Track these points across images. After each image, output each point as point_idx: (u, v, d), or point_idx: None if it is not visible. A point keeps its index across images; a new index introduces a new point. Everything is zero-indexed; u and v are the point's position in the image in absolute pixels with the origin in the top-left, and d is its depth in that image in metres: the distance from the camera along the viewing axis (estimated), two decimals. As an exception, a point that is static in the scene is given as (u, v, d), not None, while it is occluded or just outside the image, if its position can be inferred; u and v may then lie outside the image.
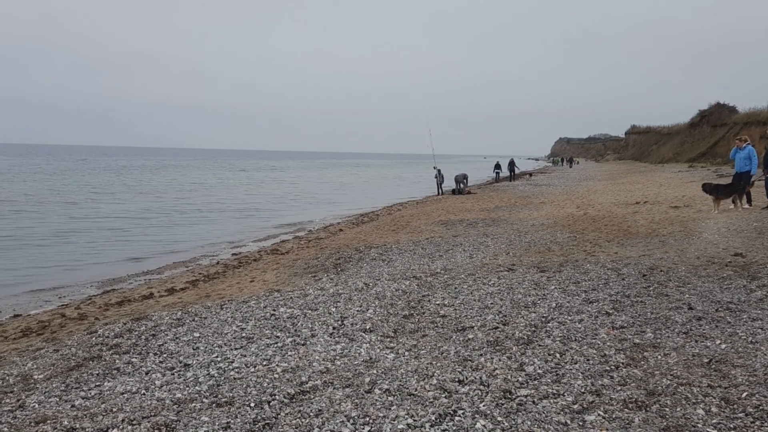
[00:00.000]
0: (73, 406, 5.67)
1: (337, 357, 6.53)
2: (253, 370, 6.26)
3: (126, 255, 19.21)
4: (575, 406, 4.98)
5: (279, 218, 30.60)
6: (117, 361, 7.00)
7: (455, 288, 9.72)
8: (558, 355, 6.24)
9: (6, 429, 5.20)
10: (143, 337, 7.93)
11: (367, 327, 7.64)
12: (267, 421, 4.90)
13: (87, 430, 4.95)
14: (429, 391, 5.40)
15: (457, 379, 5.65)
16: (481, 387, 5.45)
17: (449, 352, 6.53)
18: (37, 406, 5.77)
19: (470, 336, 7.06)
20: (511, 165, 55.44)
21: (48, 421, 5.26)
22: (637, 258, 11.56)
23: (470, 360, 6.21)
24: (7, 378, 6.87)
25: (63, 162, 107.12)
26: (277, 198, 43.45)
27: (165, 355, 7.03)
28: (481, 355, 6.36)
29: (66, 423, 5.16)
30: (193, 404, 5.41)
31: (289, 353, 6.73)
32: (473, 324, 7.57)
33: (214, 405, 5.34)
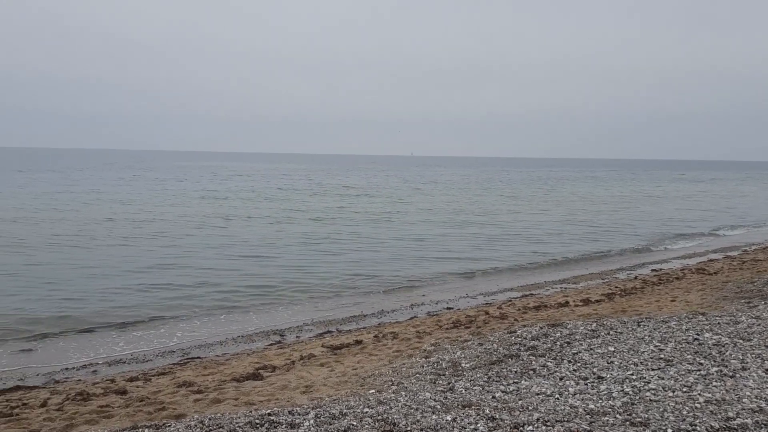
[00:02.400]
0: (493, 397, 6.15)
1: (776, 397, 5.64)
2: (671, 394, 5.85)
3: (545, 259, 20.16)
4: None
5: (706, 234, 28.02)
6: (533, 362, 7.33)
7: None
8: None
9: (438, 406, 5.92)
10: (558, 343, 8.13)
11: (819, 369, 6.41)
12: (686, 453, 4.52)
13: (505, 421, 5.31)
14: None
15: None
16: None
17: None
18: (463, 391, 6.43)
19: None
20: None
21: (472, 407, 5.81)
22: None
23: None
24: (440, 362, 7.83)
25: (485, 172, 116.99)
26: (708, 212, 39.80)
27: (579, 364, 7.08)
28: None
29: (487, 411, 5.62)
30: (606, 418, 5.32)
31: (714, 383, 6.08)
32: None
33: (627, 423, 5.16)
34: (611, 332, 8.54)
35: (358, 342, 9.99)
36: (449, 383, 6.78)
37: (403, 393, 6.50)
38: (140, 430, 5.72)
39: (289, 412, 5.93)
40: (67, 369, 9.72)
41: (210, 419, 5.87)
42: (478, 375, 7.01)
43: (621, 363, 6.99)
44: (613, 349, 7.61)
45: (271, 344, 10.92)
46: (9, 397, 7.93)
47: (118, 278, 16.07)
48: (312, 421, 5.58)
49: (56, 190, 46.35)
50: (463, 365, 7.56)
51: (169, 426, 5.75)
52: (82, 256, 19.00)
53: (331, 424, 5.49)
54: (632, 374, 6.54)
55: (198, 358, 10.12)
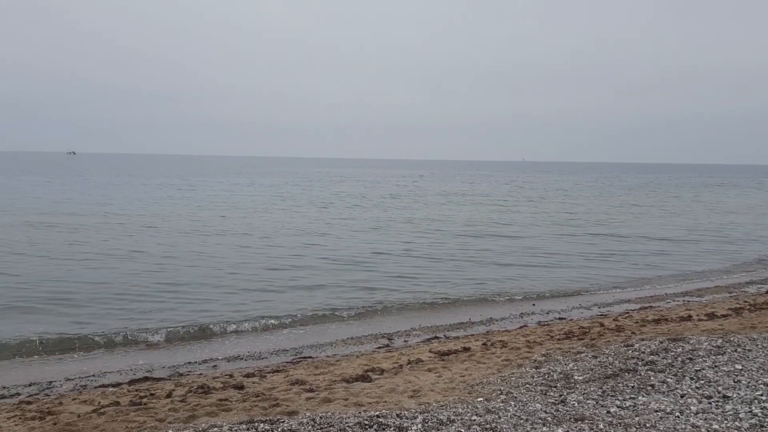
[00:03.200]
0: (608, 412, 5.92)
1: None
2: (807, 419, 5.40)
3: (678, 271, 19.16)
4: None
5: None
6: (652, 378, 6.99)
7: None
8: None
9: (549, 418, 5.78)
10: (679, 359, 7.70)
11: None
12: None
13: (620, 438, 5.10)
14: None
15: None
16: None
17: None
18: (576, 404, 6.23)
19: None
20: None
21: (585, 421, 5.62)
22: None
23: None
24: (551, 373, 7.63)
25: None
26: None
27: (702, 382, 6.68)
28: None
29: (601, 426, 5.42)
30: (733, 440, 4.99)
31: None
32: None
33: (757, 448, 4.81)
34: (739, 349, 7.99)
35: (466, 349, 9.92)
36: (561, 395, 6.59)
37: (513, 403, 6.39)
38: (256, 424, 5.97)
39: (397, 415, 5.99)
40: (189, 363, 10.32)
41: (321, 418, 6.04)
42: (591, 388, 6.78)
43: (749, 382, 6.53)
44: (740, 367, 7.12)
45: (380, 347, 11.06)
46: (138, 387, 8.53)
47: (231, 281, 16.86)
48: (420, 426, 5.62)
49: (178, 196, 49.40)
50: (575, 377, 7.32)
51: (283, 422, 5.97)
52: (197, 260, 20.10)
53: (438, 430, 5.50)
54: (762, 395, 6.09)
55: (309, 357, 10.44)
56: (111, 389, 8.56)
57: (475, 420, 5.75)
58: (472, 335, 11.76)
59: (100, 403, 7.55)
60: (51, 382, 9.28)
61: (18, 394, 8.66)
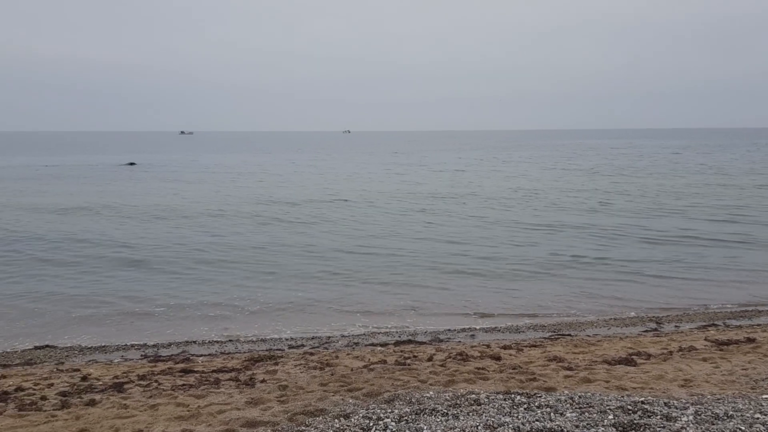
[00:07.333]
0: None
1: None
2: None
3: None
4: None
5: None
6: None
7: None
8: None
9: None
10: None
11: None
12: None
13: None
14: None
15: None
16: None
17: None
18: None
19: None
20: None
21: None
22: None
23: None
24: None
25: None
26: None
27: None
28: None
29: None
30: None
31: None
32: None
33: None
34: None
35: (750, 340, 8.82)
36: None
37: (809, 405, 5.53)
38: (513, 396, 6.00)
39: (665, 404, 5.57)
40: (449, 330, 10.73)
41: (580, 397, 5.85)
42: None
43: None
44: None
45: (646, 331, 10.35)
46: (403, 349, 9.12)
47: (447, 252, 17.16)
48: (691, 417, 5.15)
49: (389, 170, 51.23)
50: None
51: (540, 396, 5.91)
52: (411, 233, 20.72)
53: (713, 424, 4.99)
54: None
55: (568, 335, 10.16)
56: (379, 348, 9.27)
57: (758, 419, 5.09)
58: (758, 325, 10.40)
59: (369, 359, 8.23)
60: (329, 337, 10.35)
61: (303, 345, 9.82)
